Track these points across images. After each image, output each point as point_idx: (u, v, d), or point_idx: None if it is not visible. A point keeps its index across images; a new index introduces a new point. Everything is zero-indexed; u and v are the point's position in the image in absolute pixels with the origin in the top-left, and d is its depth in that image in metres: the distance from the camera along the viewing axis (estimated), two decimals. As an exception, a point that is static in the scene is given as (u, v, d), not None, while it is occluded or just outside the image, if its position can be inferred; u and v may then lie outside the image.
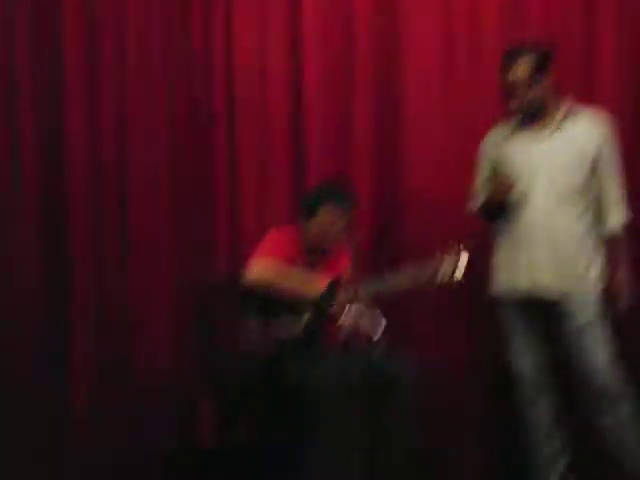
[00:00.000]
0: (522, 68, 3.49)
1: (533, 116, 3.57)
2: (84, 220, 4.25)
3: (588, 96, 3.93)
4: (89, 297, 4.23)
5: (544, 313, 3.61)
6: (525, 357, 3.66)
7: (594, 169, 3.54)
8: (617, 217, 3.58)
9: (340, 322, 3.46)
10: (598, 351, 3.51)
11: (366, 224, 4.14)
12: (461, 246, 3.46)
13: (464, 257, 3.46)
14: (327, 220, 3.61)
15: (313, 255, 3.67)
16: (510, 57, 3.52)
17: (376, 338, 3.29)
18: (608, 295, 3.56)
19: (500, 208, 3.59)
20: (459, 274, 3.46)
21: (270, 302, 3.52)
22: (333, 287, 3.51)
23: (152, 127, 4.26)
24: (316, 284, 3.53)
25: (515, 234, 3.60)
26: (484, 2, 4.16)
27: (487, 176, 3.67)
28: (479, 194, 3.73)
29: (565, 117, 3.57)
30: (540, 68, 3.51)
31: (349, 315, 3.44)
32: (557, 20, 4.13)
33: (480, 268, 3.66)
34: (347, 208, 3.63)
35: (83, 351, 4.22)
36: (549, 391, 3.68)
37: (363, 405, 3.36)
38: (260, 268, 3.53)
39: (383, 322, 3.31)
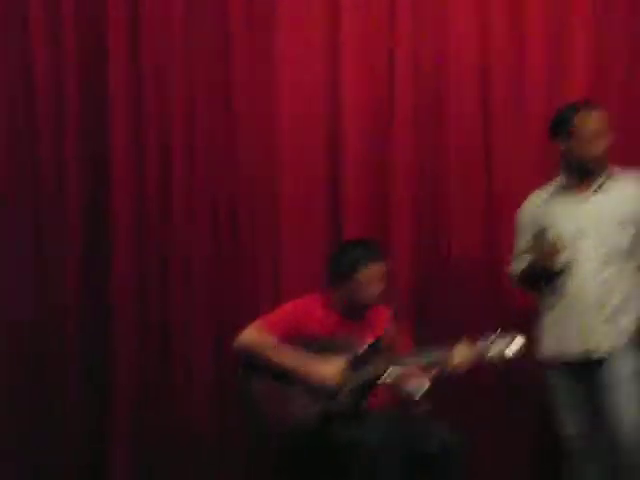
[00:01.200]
0: (605, 116, 3.52)
1: (581, 175, 3.55)
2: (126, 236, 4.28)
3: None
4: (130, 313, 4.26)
5: (592, 375, 3.56)
6: (573, 422, 3.62)
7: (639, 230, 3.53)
8: None
9: (381, 381, 3.42)
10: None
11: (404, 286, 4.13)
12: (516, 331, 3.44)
13: (519, 340, 3.43)
14: (368, 279, 3.56)
15: (352, 317, 3.61)
16: (594, 105, 3.56)
17: (417, 399, 3.23)
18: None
19: (545, 275, 3.55)
20: (510, 353, 3.42)
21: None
22: (375, 348, 3.47)
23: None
24: (321, 367, 3.45)
25: (563, 297, 3.56)
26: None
27: (529, 240, 3.63)
28: (520, 259, 3.68)
29: (607, 179, 3.56)
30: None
31: (391, 376, 3.40)
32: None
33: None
34: (383, 263, 3.60)
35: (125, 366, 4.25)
36: (598, 457, 3.61)
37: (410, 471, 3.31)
38: (247, 337, 3.52)
39: (426, 386, 3.25)
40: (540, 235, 3.54)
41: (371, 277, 3.57)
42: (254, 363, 3.51)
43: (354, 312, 3.62)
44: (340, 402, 3.42)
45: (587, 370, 3.54)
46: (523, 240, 3.68)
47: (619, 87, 4.18)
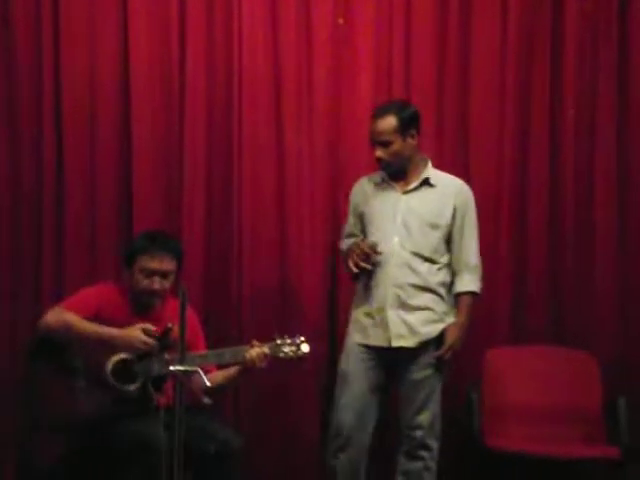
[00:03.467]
0: (390, 120, 3.61)
1: (395, 173, 3.69)
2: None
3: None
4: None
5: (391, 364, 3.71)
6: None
7: (448, 234, 3.71)
8: (467, 284, 3.72)
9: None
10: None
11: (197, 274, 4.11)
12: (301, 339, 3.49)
13: (305, 348, 3.49)
14: (142, 270, 3.49)
15: (141, 309, 3.53)
16: (381, 108, 3.67)
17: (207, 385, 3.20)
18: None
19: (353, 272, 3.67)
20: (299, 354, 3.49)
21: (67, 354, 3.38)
22: (162, 342, 3.38)
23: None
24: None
25: (371, 289, 3.70)
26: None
27: (355, 223, 3.77)
28: (346, 241, 3.80)
29: (424, 180, 3.72)
30: (406, 126, 3.64)
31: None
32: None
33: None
34: (166, 258, 3.52)
35: None
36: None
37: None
38: (56, 314, 3.42)
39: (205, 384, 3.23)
40: (358, 242, 3.68)
41: (145, 268, 3.49)
42: (52, 345, 3.40)
43: (141, 304, 3.54)
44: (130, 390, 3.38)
45: (387, 357, 3.68)
46: (351, 220, 3.81)
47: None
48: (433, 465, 3.72)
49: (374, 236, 3.70)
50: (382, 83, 4.31)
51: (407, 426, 3.71)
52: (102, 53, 4.15)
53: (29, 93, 4.10)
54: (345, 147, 4.29)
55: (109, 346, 3.39)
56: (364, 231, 3.77)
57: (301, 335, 3.51)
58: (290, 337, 3.51)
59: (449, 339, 3.66)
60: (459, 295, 3.72)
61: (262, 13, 4.24)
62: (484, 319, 4.18)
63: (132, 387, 3.41)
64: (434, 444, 3.72)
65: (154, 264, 3.50)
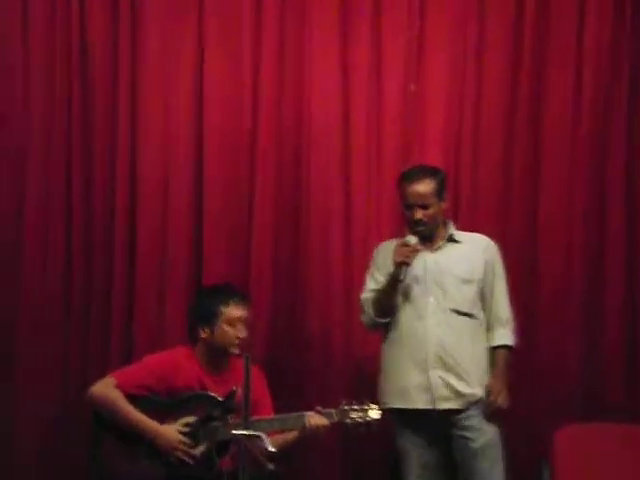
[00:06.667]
0: (430, 184, 3.65)
1: (425, 236, 3.69)
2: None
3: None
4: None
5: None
6: None
7: (481, 289, 3.70)
8: (502, 338, 3.70)
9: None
10: None
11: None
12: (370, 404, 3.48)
13: (374, 414, 3.46)
14: (230, 320, 3.55)
15: (214, 372, 3.57)
16: (418, 172, 3.70)
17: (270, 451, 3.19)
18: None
19: (395, 281, 3.63)
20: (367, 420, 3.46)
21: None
22: (229, 406, 3.42)
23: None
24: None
25: (404, 347, 3.68)
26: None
27: (379, 280, 3.73)
28: (372, 288, 3.77)
29: (449, 238, 3.74)
30: (442, 189, 3.69)
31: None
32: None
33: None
34: (246, 305, 3.61)
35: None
36: None
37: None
38: (104, 386, 3.47)
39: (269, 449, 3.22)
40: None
41: (232, 318, 3.56)
42: (102, 416, 3.46)
43: (216, 365, 3.59)
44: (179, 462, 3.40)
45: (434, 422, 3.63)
46: (378, 278, 3.77)
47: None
48: None
49: (408, 297, 3.69)
50: (450, 141, 4.29)
51: None
52: (176, 106, 4.24)
53: (103, 143, 4.22)
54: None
55: (146, 437, 3.43)
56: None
57: (370, 401, 3.48)
58: (358, 402, 3.47)
59: (492, 388, 3.63)
60: (494, 349, 3.70)
61: (334, 71, 4.27)
62: (555, 398, 4.07)
63: (196, 451, 3.42)
64: None
65: (239, 312, 3.59)
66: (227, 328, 3.56)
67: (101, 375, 3.60)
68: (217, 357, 3.59)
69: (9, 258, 4.17)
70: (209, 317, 3.58)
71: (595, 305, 4.20)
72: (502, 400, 3.64)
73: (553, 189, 4.25)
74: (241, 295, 3.64)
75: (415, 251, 3.63)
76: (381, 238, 4.17)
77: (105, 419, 3.48)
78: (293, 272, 4.25)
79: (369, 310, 3.76)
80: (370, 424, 3.48)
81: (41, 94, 4.21)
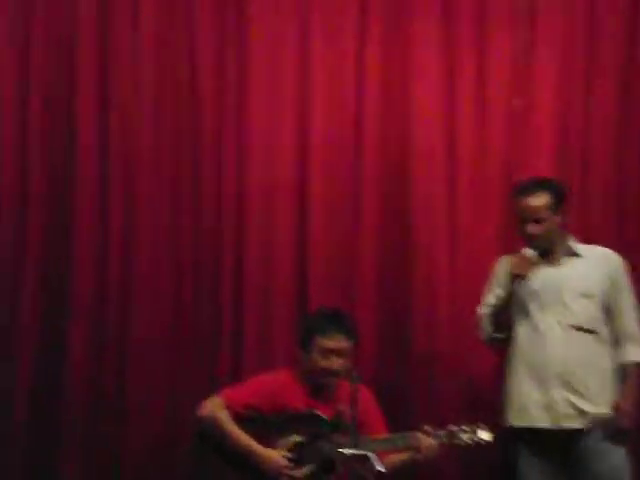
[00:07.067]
0: (545, 197, 3.58)
1: (543, 250, 3.61)
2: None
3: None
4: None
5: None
6: None
7: (604, 304, 3.61)
8: (631, 354, 3.60)
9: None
10: None
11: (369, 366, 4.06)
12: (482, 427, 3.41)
13: (484, 435, 3.40)
14: (322, 350, 3.50)
15: (318, 392, 3.54)
16: (532, 185, 3.61)
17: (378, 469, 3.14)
18: None
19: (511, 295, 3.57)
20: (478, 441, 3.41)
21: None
22: (336, 425, 3.39)
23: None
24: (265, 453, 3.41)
25: (528, 363, 3.61)
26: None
27: (499, 293, 3.67)
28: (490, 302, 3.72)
29: (571, 253, 3.65)
30: (559, 203, 3.60)
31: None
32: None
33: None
34: (343, 337, 3.52)
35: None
36: None
37: None
38: (213, 406, 3.46)
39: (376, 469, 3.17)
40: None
41: (324, 349, 3.50)
42: (208, 435, 3.47)
43: (318, 386, 3.55)
44: None
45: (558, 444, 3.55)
46: (498, 292, 3.70)
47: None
48: None
49: (527, 314, 3.62)
50: (559, 157, 4.21)
51: None
52: (281, 123, 4.25)
53: (212, 154, 4.25)
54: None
55: (252, 460, 3.42)
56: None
57: (480, 422, 3.42)
58: (468, 423, 3.42)
59: (620, 407, 3.53)
60: (623, 366, 3.60)
61: (439, 84, 4.24)
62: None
63: (303, 471, 3.40)
64: None
65: (332, 344, 3.51)
66: (318, 357, 3.51)
67: (209, 394, 3.59)
68: (317, 380, 3.56)
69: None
70: (305, 342, 3.56)
71: None
72: (629, 420, 3.54)
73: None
74: (343, 325, 3.55)
75: (532, 264, 3.56)
76: (486, 254, 4.12)
77: (212, 439, 3.48)
78: (398, 290, 4.21)
79: (486, 325, 3.71)
80: (480, 445, 3.40)
81: (151, 107, 4.25)
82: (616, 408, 3.54)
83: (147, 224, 4.22)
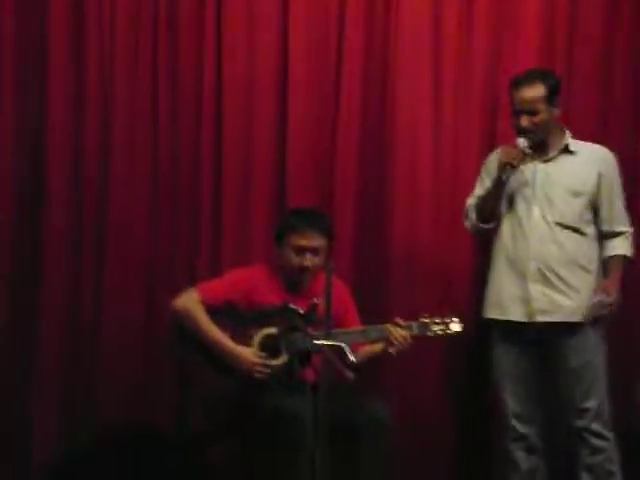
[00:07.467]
0: (539, 89, 3.53)
1: (535, 143, 3.58)
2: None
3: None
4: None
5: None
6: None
7: (591, 202, 3.59)
8: (617, 248, 3.61)
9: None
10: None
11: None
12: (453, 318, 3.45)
13: (455, 326, 3.45)
14: (294, 247, 3.51)
15: (294, 287, 3.57)
16: (527, 76, 3.56)
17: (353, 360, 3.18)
18: None
19: (500, 183, 3.56)
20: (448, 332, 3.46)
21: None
22: (309, 318, 3.41)
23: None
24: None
25: (510, 260, 3.62)
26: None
27: (488, 187, 3.66)
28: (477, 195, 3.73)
29: (565, 150, 3.62)
30: (553, 94, 3.56)
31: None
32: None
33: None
34: (316, 235, 3.52)
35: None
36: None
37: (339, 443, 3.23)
38: (188, 299, 3.49)
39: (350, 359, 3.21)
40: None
41: (296, 246, 3.51)
42: (184, 327, 3.50)
43: (293, 282, 3.57)
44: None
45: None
46: (487, 183, 3.69)
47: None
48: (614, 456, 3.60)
49: (513, 208, 3.61)
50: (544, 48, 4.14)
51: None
52: (260, 42, 4.19)
53: (191, 91, 4.18)
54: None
55: (224, 357, 3.44)
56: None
57: (452, 314, 3.46)
58: (440, 315, 3.44)
59: (606, 288, 3.54)
60: (609, 259, 3.60)
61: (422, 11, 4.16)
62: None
63: (278, 361, 3.45)
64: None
65: (304, 241, 3.52)
66: (291, 254, 3.53)
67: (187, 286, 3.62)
68: (291, 277, 3.58)
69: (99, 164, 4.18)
70: (280, 239, 3.58)
71: None
72: (612, 302, 3.55)
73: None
74: (317, 223, 3.55)
75: (523, 154, 3.53)
76: (471, 151, 4.11)
77: (187, 332, 3.50)
78: (378, 187, 4.18)
79: (472, 215, 3.71)
80: (451, 336, 3.44)
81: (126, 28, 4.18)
82: (602, 288, 3.55)
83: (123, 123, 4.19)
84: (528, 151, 3.54)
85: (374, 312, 3.84)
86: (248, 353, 3.44)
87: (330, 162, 4.17)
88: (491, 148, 3.91)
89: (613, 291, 3.56)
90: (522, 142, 3.53)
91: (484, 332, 3.76)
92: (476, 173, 3.84)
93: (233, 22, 4.16)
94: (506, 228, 3.64)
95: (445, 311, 3.48)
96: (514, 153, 3.53)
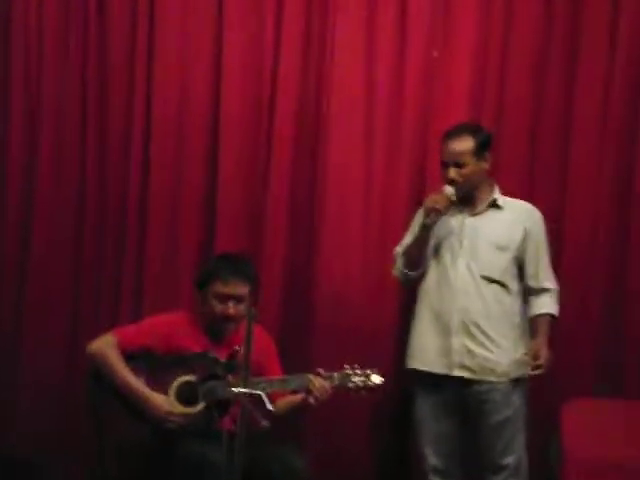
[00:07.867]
0: (467, 142, 3.56)
1: (463, 196, 3.60)
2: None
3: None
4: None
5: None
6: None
7: (517, 258, 3.61)
8: (544, 306, 3.61)
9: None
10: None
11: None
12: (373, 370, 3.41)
13: (376, 379, 3.40)
14: (217, 295, 3.45)
15: (215, 335, 3.51)
16: (457, 129, 3.60)
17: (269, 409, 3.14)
18: None
19: (425, 230, 3.57)
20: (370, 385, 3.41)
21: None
22: (229, 366, 3.34)
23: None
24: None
25: (433, 310, 3.63)
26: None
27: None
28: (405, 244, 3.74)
29: (492, 204, 3.64)
30: (482, 148, 3.58)
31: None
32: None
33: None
34: (239, 282, 3.46)
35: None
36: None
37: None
38: (103, 343, 3.42)
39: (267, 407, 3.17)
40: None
41: (219, 294, 3.45)
42: (100, 372, 3.43)
43: (215, 329, 3.51)
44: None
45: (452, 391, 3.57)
46: (414, 231, 3.71)
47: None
48: None
49: (439, 259, 3.63)
50: (474, 108, 4.17)
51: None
52: (194, 72, 4.23)
53: (120, 96, 4.22)
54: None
55: (138, 404, 3.37)
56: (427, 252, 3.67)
57: (374, 367, 3.43)
58: (361, 367, 3.42)
59: (537, 351, 3.53)
60: (537, 317, 3.61)
61: (358, 37, 4.20)
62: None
63: (194, 409, 3.39)
64: None
65: (228, 289, 3.46)
66: (214, 302, 3.47)
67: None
68: (214, 325, 3.52)
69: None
70: (202, 285, 3.52)
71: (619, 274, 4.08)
72: (542, 364, 3.54)
73: (581, 157, 4.11)
74: (242, 271, 3.48)
75: (448, 200, 3.55)
76: (400, 205, 4.13)
77: (103, 378, 3.44)
78: (306, 240, 4.21)
79: (399, 262, 3.72)
80: (372, 389, 3.41)
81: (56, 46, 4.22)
82: (534, 351, 3.54)
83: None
84: (453, 198, 3.57)
85: (299, 361, 3.83)
86: (162, 401, 3.36)
87: (260, 208, 4.19)
88: (419, 203, 3.91)
89: (544, 352, 3.56)
90: (449, 189, 3.56)
91: (408, 382, 3.76)
92: (404, 227, 3.87)
93: (164, 66, 4.21)
94: (431, 279, 3.66)
95: (367, 362, 3.45)
96: (439, 198, 3.56)
